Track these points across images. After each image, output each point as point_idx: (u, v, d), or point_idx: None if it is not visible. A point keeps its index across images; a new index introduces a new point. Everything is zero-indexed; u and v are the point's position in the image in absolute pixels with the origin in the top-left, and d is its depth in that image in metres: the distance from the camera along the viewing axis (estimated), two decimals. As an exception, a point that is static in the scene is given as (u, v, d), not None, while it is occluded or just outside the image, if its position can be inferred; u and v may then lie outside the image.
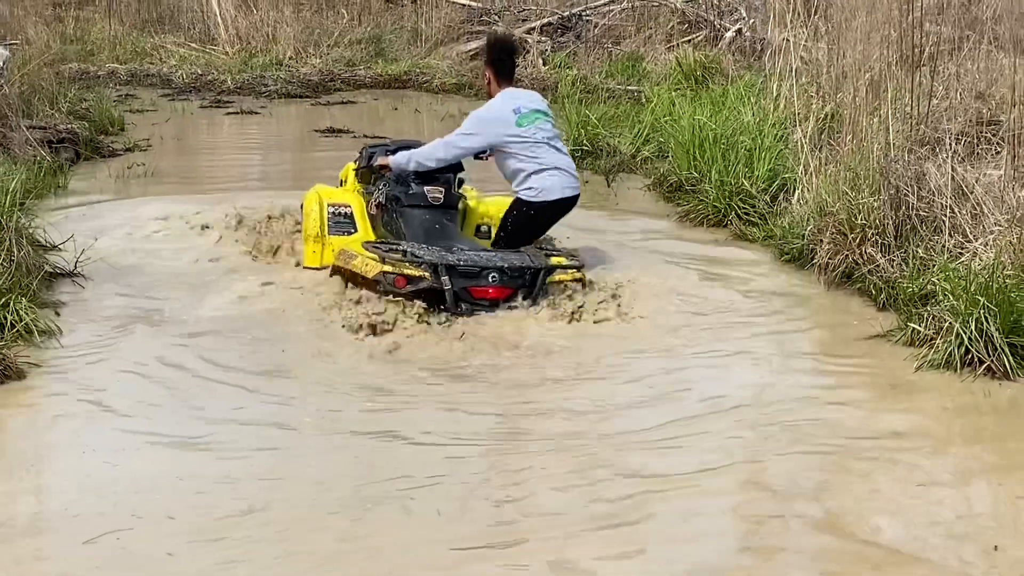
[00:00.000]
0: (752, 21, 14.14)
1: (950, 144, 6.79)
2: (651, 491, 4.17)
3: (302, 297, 6.18)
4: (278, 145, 11.84)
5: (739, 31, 14.15)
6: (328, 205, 6.73)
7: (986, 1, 9.91)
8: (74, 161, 9.69)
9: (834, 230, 6.65)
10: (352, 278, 6.11)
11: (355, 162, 7.18)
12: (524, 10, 16.22)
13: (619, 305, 6.06)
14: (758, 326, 6.01)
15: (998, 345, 5.23)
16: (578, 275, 6.17)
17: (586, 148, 9.88)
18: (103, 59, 15.27)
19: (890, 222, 6.45)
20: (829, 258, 6.61)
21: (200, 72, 14.71)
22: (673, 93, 11.09)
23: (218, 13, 15.80)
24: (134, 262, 6.88)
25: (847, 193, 6.71)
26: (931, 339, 5.46)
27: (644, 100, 11.63)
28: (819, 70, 9.13)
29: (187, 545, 3.76)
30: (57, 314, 5.90)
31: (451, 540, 3.83)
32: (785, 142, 8.38)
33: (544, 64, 14.48)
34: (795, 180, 7.72)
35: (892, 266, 6.31)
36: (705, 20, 14.71)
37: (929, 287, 5.83)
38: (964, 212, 6.32)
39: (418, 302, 5.81)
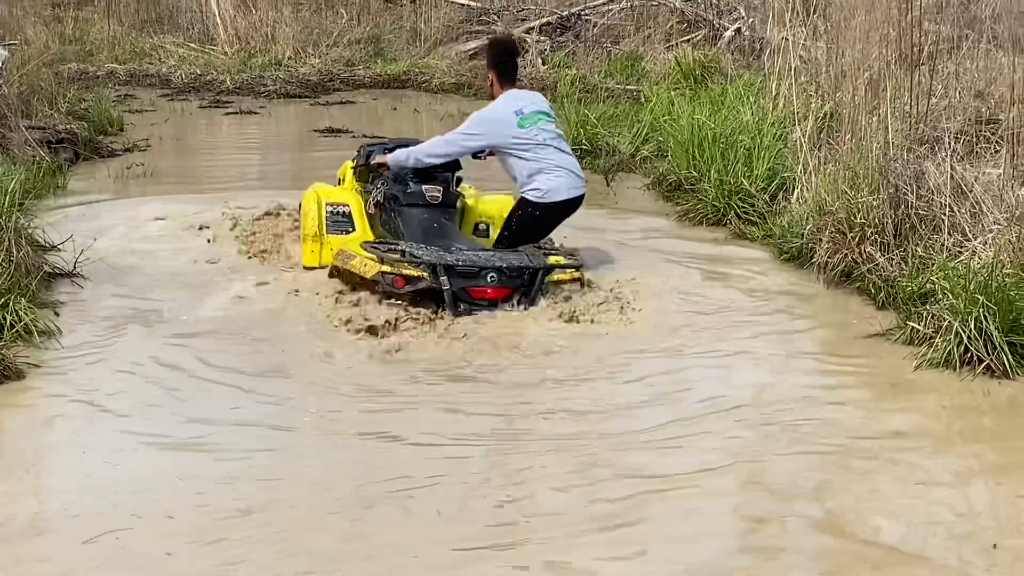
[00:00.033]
0: (751, 20, 14.13)
1: (949, 143, 6.78)
2: (651, 491, 4.17)
3: (301, 297, 6.19)
4: (277, 145, 11.84)
5: (738, 30, 14.13)
6: (326, 204, 6.71)
7: (985, 0, 9.91)
8: (73, 161, 9.69)
9: (833, 229, 6.64)
10: (351, 278, 6.11)
11: (353, 160, 7.18)
12: (523, 10, 16.23)
13: (619, 305, 6.06)
14: (758, 325, 6.00)
15: (997, 344, 5.23)
16: (577, 274, 6.16)
17: (585, 147, 9.85)
18: (102, 59, 15.26)
19: (889, 221, 6.44)
20: (828, 257, 6.60)
21: (199, 72, 14.70)
22: (672, 92, 11.07)
23: (217, 13, 15.79)
24: (133, 262, 6.87)
25: (846, 192, 6.71)
26: (930, 338, 5.45)
27: (643, 99, 11.62)
28: (818, 69, 9.13)
29: (186, 545, 3.75)
30: (56, 314, 5.90)
31: (451, 540, 3.82)
32: (784, 141, 8.37)
33: (543, 64, 14.46)
34: (794, 179, 7.72)
35: (891, 265, 6.31)
36: (704, 19, 14.70)
37: (928, 286, 5.83)
38: (963, 211, 6.31)
39: (423, 308, 5.81)
